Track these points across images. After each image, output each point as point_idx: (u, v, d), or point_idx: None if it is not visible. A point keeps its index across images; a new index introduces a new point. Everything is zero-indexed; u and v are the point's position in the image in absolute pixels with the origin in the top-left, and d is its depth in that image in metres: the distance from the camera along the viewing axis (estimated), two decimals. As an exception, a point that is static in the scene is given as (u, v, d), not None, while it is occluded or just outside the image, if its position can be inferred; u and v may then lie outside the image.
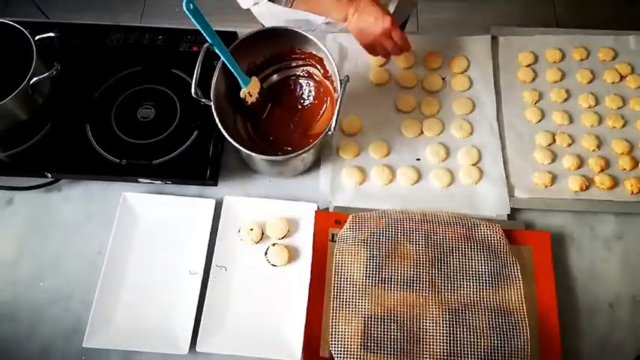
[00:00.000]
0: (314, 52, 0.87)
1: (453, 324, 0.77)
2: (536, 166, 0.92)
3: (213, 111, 0.78)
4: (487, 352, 0.75)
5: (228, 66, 0.80)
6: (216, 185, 0.91)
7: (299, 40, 0.86)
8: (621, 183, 0.90)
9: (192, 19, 0.70)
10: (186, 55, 0.98)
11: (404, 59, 1.00)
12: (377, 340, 0.76)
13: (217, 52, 0.77)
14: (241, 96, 0.86)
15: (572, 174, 0.90)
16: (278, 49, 0.89)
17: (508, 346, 0.76)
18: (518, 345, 0.76)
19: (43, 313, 0.82)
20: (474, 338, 0.76)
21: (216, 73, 0.81)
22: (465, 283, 0.80)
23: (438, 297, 0.79)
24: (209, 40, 0.75)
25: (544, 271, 0.82)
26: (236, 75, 0.82)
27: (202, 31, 0.73)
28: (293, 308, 0.81)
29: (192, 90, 0.76)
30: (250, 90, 0.86)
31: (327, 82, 0.89)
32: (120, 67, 0.97)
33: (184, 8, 0.68)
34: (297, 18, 0.99)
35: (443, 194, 0.90)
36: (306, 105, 0.93)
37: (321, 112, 0.91)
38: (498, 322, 0.77)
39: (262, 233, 0.85)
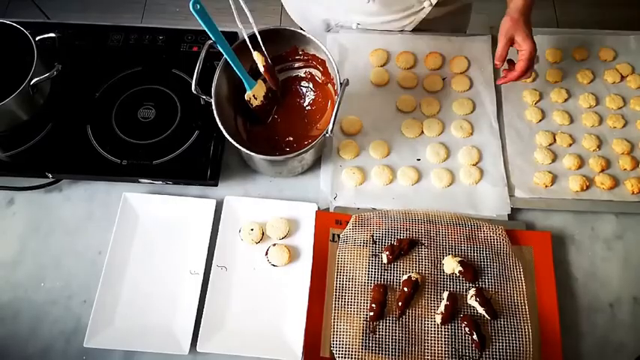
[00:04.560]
0: (316, 55, 0.87)
1: (454, 325, 0.77)
2: (536, 166, 0.92)
3: (214, 108, 0.78)
4: (488, 353, 0.75)
5: (234, 68, 0.80)
6: (216, 185, 0.91)
7: (301, 42, 0.86)
8: (622, 183, 0.90)
9: (199, 19, 0.70)
10: (187, 56, 0.98)
11: (404, 60, 1.00)
12: (378, 340, 0.76)
13: (224, 53, 0.77)
14: (246, 99, 0.86)
15: (572, 174, 0.90)
16: (281, 49, 0.89)
17: (509, 347, 0.76)
18: (519, 346, 0.76)
19: (44, 314, 0.82)
20: (475, 339, 0.76)
21: (217, 73, 0.81)
22: (466, 285, 0.80)
23: (440, 297, 0.79)
24: (213, 39, 0.75)
25: (545, 272, 0.82)
26: (242, 77, 0.82)
27: (208, 32, 0.73)
28: (293, 308, 0.81)
29: (193, 86, 0.76)
30: (255, 93, 0.86)
31: (329, 85, 0.89)
32: (120, 68, 0.97)
33: (191, 8, 0.68)
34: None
35: (443, 194, 0.90)
36: (307, 106, 0.93)
37: (322, 113, 0.91)
38: (500, 323, 0.77)
39: (263, 233, 0.85)
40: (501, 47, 0.85)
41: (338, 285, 0.80)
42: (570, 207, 0.89)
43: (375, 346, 0.76)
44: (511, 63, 0.88)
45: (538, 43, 1.02)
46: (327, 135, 0.77)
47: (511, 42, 0.84)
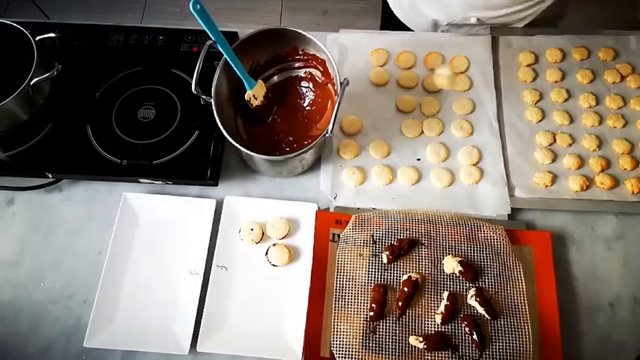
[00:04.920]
0: (317, 54, 0.87)
1: (454, 324, 0.77)
2: (536, 166, 0.92)
3: (214, 108, 0.78)
4: (489, 353, 0.75)
5: (234, 68, 0.80)
6: (216, 185, 0.91)
7: (301, 42, 0.86)
8: (622, 183, 0.90)
9: (199, 19, 0.70)
10: (187, 56, 0.98)
11: (404, 60, 1.00)
12: (378, 340, 0.76)
13: (224, 53, 0.77)
14: (246, 99, 0.86)
15: (572, 174, 0.90)
16: (281, 49, 0.89)
17: (510, 347, 0.76)
18: (519, 346, 0.76)
19: (44, 313, 0.83)
20: (475, 339, 0.76)
21: (217, 73, 0.81)
22: (466, 284, 0.80)
23: (440, 297, 0.79)
24: (213, 39, 0.75)
25: (545, 271, 0.82)
26: (242, 78, 0.82)
27: (208, 32, 0.73)
28: (293, 308, 0.81)
29: (193, 87, 0.76)
30: (255, 93, 0.86)
31: (329, 85, 0.89)
32: (120, 68, 0.97)
33: (191, 8, 0.68)
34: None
35: (443, 194, 0.90)
36: (307, 106, 0.93)
37: (322, 113, 0.91)
38: (500, 323, 0.77)
39: (263, 233, 0.85)
40: None
41: (338, 285, 0.80)
42: (570, 207, 0.89)
43: (375, 346, 0.76)
44: None
45: (539, 43, 1.03)
46: (327, 135, 0.77)
47: None
